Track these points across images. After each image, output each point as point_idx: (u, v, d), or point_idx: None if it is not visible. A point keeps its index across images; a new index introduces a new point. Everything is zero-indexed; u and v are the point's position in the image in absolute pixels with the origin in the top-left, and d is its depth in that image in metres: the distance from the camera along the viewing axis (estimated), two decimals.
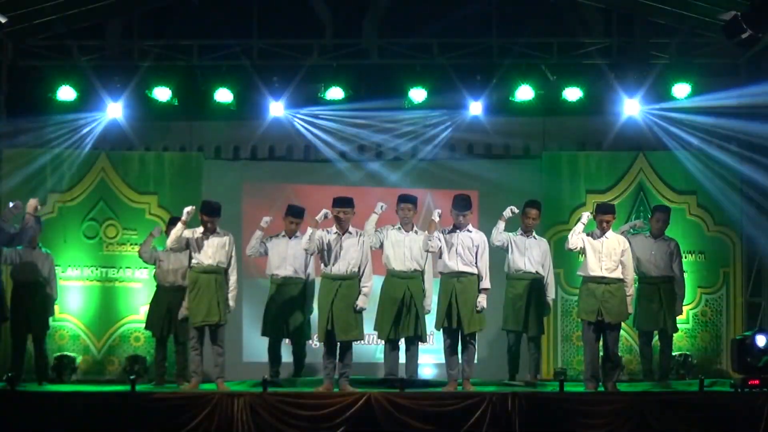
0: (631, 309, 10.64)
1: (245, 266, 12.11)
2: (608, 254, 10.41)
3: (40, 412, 9.87)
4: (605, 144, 13.00)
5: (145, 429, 9.80)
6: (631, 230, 11.46)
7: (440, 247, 10.32)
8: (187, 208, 10.41)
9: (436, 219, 10.26)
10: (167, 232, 11.18)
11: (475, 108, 12.64)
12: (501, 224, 10.98)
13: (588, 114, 12.81)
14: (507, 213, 10.88)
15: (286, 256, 11.03)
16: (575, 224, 10.64)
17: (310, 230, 10.07)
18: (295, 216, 11.14)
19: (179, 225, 10.40)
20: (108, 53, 12.73)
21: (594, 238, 10.48)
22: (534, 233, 11.26)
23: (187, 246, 10.44)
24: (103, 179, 12.77)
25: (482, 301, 10.30)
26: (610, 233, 10.51)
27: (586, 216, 10.57)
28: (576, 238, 10.48)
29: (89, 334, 12.60)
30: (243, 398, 9.83)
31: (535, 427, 9.79)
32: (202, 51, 12.72)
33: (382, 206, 10.62)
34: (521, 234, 11.19)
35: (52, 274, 11.63)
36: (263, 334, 11.18)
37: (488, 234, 10.65)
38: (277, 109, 12.66)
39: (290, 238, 11.09)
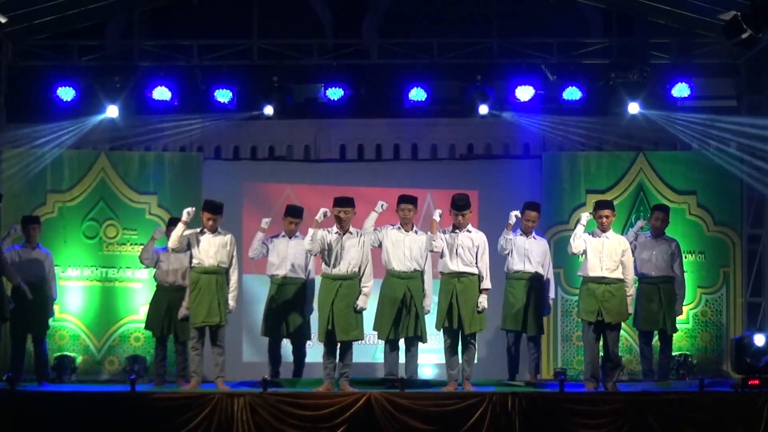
0: (631, 309, 10.63)
1: (245, 266, 12.10)
2: (609, 254, 10.39)
3: (40, 412, 9.88)
4: (605, 144, 13.01)
5: (145, 429, 9.80)
6: (638, 232, 11.41)
7: (442, 248, 10.33)
8: (188, 209, 10.38)
9: (437, 219, 10.26)
10: (167, 233, 11.18)
11: (475, 108, 12.63)
12: (508, 233, 10.99)
13: (588, 114, 12.80)
14: (512, 219, 10.86)
15: (286, 256, 11.02)
16: (575, 226, 10.62)
17: (311, 231, 10.07)
18: (295, 216, 11.14)
19: (180, 225, 10.37)
20: (108, 53, 12.72)
21: (595, 237, 10.49)
22: (534, 233, 11.26)
23: (189, 246, 10.44)
24: (103, 179, 12.76)
25: (483, 301, 10.30)
26: (610, 233, 10.50)
27: (585, 217, 10.53)
28: (578, 242, 10.45)
29: (89, 334, 12.59)
30: (243, 398, 9.84)
31: (535, 427, 9.79)
32: (202, 51, 12.72)
33: (382, 205, 10.54)
34: (521, 234, 11.19)
35: (51, 274, 11.61)
36: (263, 334, 11.16)
37: (489, 234, 10.63)
38: (277, 109, 12.64)
39: (290, 238, 11.09)
